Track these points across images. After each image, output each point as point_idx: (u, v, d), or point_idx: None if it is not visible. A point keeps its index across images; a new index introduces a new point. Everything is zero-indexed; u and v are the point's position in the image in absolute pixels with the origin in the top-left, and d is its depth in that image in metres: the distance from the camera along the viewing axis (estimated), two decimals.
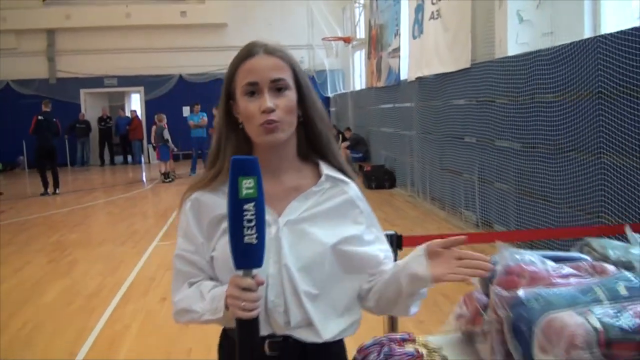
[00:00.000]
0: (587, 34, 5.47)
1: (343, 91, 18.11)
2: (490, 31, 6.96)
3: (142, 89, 19.26)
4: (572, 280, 1.51)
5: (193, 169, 14.91)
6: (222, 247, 1.46)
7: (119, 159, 19.49)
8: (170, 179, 13.82)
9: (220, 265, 1.49)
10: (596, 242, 1.81)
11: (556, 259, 1.66)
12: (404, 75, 10.83)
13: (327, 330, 1.49)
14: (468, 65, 7.50)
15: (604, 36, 4.68)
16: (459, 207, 7.99)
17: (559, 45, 5.35)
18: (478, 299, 1.71)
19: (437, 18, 8.60)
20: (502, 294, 1.49)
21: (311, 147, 1.57)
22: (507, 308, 1.46)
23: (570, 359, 1.25)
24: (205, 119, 14.76)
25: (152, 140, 14.60)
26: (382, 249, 1.57)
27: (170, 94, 18.88)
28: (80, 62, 18.41)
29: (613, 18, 5.39)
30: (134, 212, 10.25)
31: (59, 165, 12.89)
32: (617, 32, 4.52)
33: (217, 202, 1.48)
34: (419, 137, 9.85)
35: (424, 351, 1.64)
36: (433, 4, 8.75)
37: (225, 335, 1.59)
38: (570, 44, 5.13)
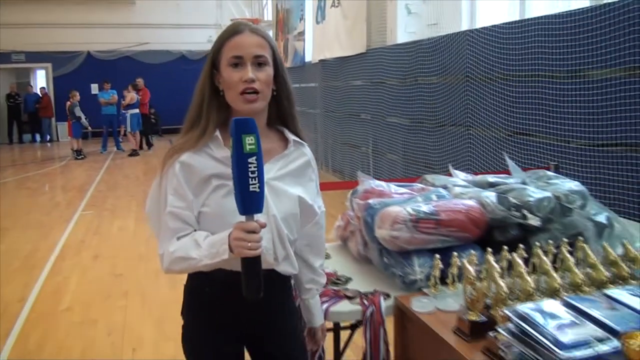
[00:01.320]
0: (465, 26, 6.45)
1: None
2: (383, 21, 7.81)
3: (49, 65, 18.88)
4: (405, 195, 2.43)
5: (104, 146, 15.06)
6: (215, 202, 1.68)
7: (27, 137, 18.95)
8: (82, 156, 13.91)
9: (212, 218, 1.68)
10: (429, 177, 2.75)
11: (401, 186, 2.57)
12: (308, 58, 11.50)
13: (296, 263, 1.82)
14: (364, 50, 8.30)
15: (471, 30, 5.70)
16: (356, 177, 8.94)
17: (437, 37, 6.33)
18: (349, 213, 2.61)
19: (337, 6, 9.37)
20: (360, 203, 2.39)
21: (278, 116, 1.80)
22: (362, 210, 2.35)
23: (394, 230, 2.15)
24: (115, 96, 14.79)
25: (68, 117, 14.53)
26: (319, 206, 1.87)
27: (79, 71, 18.56)
28: None
29: (488, 14, 6.29)
30: (53, 186, 10.57)
31: None
32: (481, 28, 5.54)
33: (204, 163, 1.69)
34: (322, 114, 10.69)
35: None
36: None
37: (197, 277, 1.76)
38: (446, 35, 6.13)
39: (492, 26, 5.34)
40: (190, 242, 1.65)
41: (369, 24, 8.27)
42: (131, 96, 14.28)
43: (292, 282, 1.94)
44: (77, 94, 14.25)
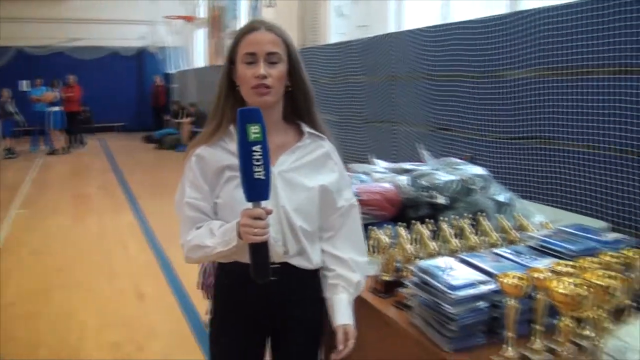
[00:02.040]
0: (392, 29, 6.84)
1: (185, 68, 18.30)
2: (315, 21, 8.13)
3: None
4: None
5: (35, 145, 14.73)
6: (227, 193, 1.75)
7: None
8: (14, 155, 13.58)
9: (224, 208, 1.75)
10: (354, 165, 3.08)
11: None
12: None
13: (316, 258, 1.82)
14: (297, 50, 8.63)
15: (397, 33, 6.09)
16: None
17: (365, 38, 6.69)
18: None
19: (271, 6, 9.63)
20: None
21: (294, 111, 1.84)
22: None
23: None
24: (51, 93, 14.42)
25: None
26: (346, 198, 1.87)
27: (8, 67, 17.84)
28: None
29: (413, 17, 6.75)
30: None
31: None
32: (406, 30, 5.94)
33: (218, 156, 1.76)
34: None
35: None
36: None
37: (222, 269, 1.86)
38: (374, 37, 6.50)
39: (416, 29, 5.73)
40: (206, 231, 1.72)
41: (302, 24, 8.55)
42: (52, 94, 14.05)
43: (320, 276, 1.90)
44: (7, 91, 13.94)
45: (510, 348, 1.60)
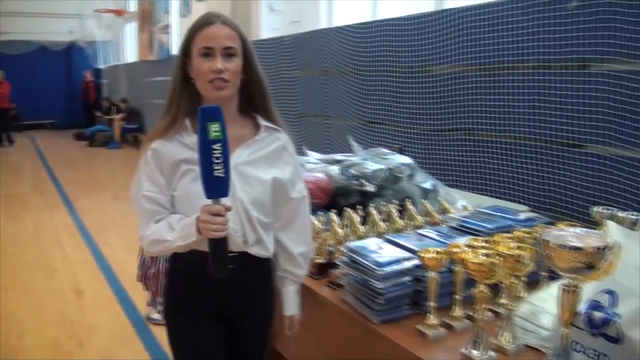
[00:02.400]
0: (323, 25, 6.98)
1: (115, 63, 17.97)
2: (248, 17, 8.18)
3: None
4: None
5: None
6: (183, 187, 1.76)
7: None
8: None
9: (181, 201, 1.77)
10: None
11: None
12: (173, 51, 11.55)
13: (272, 246, 1.87)
14: None
15: (328, 29, 6.25)
16: None
17: (298, 33, 6.83)
18: None
19: (202, 1, 9.65)
20: None
21: (250, 104, 1.86)
22: None
23: None
24: None
25: None
26: (298, 190, 1.91)
27: None
28: None
29: (344, 13, 6.88)
30: None
31: None
32: (336, 27, 6.10)
33: (174, 150, 1.77)
34: None
35: None
36: None
37: (178, 258, 1.84)
38: (306, 32, 6.64)
39: (346, 26, 5.90)
40: (165, 225, 1.73)
41: (234, 20, 8.52)
42: None
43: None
44: None
45: (432, 316, 1.77)
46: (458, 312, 1.80)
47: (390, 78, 5.33)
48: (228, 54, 1.73)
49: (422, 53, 4.93)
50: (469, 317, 1.80)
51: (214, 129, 1.52)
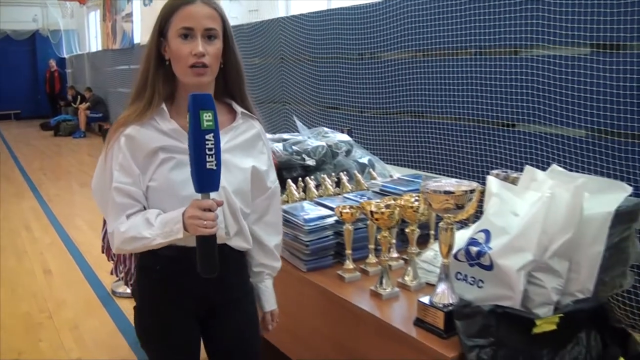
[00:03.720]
0: (281, 13, 7.24)
1: (79, 52, 17.92)
2: None
3: None
4: None
5: None
6: (161, 176, 1.62)
7: None
8: None
9: (158, 192, 1.63)
10: None
11: None
12: (137, 39, 11.72)
13: (250, 237, 1.77)
14: None
15: (285, 17, 6.54)
16: None
17: (256, 22, 7.11)
18: None
19: None
20: None
21: (226, 90, 1.74)
22: None
23: None
24: None
25: None
26: (272, 180, 1.83)
27: None
28: None
29: (301, 2, 7.07)
30: None
31: None
32: (292, 15, 6.39)
33: (150, 136, 1.62)
34: None
35: None
36: None
37: (152, 252, 1.65)
38: (264, 21, 6.92)
39: (300, 14, 6.20)
40: (142, 221, 1.59)
41: None
42: None
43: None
44: None
45: (349, 262, 2.11)
46: (372, 259, 2.15)
47: (342, 64, 5.65)
48: (209, 35, 1.60)
49: (372, 40, 5.25)
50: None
51: (206, 118, 1.42)
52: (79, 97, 15.46)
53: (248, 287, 1.86)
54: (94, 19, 16.47)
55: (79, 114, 14.75)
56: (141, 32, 11.36)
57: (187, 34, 1.58)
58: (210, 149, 1.43)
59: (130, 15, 12.10)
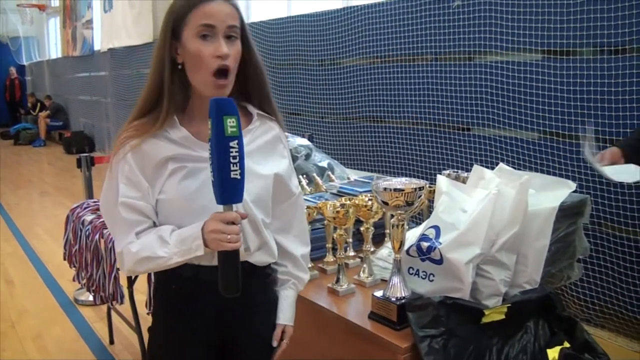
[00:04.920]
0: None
1: (39, 59, 17.68)
2: None
3: None
4: None
5: None
6: (171, 188, 1.48)
7: None
8: None
9: (169, 204, 1.50)
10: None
11: None
12: (97, 46, 11.63)
13: (275, 248, 1.64)
14: (151, 40, 8.86)
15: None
16: None
17: None
18: None
19: None
20: None
21: (243, 93, 1.59)
22: None
23: None
24: None
25: None
26: (295, 185, 1.70)
27: None
28: None
29: (261, 10, 7.11)
30: None
31: None
32: (252, 22, 6.46)
33: (160, 146, 1.48)
34: (114, 103, 10.99)
35: None
36: None
37: (167, 274, 1.55)
38: None
39: (261, 22, 6.27)
40: (155, 239, 1.46)
41: (155, 14, 8.75)
42: None
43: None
44: None
45: None
46: (329, 257, 2.21)
47: (303, 71, 5.74)
48: (229, 35, 1.46)
49: (332, 47, 5.35)
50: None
51: (230, 124, 1.32)
52: (38, 105, 15.26)
53: (272, 314, 1.70)
54: (54, 25, 16.31)
55: (39, 122, 14.56)
56: (101, 38, 11.28)
57: (207, 33, 1.43)
58: (234, 157, 1.33)
59: (90, 22, 12.01)
